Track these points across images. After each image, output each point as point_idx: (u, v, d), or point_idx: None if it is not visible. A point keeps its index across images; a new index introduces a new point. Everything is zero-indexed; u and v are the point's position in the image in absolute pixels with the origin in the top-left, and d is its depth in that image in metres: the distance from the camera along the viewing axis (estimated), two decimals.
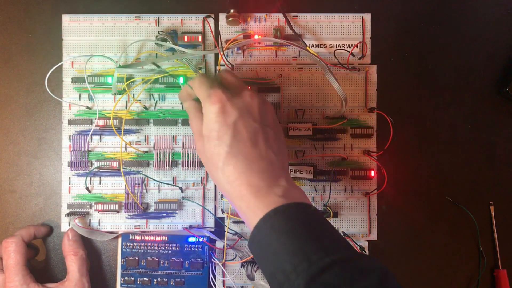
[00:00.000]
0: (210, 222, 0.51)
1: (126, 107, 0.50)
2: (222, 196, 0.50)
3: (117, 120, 0.50)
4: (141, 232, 0.50)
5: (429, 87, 0.52)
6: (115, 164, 0.50)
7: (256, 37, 0.50)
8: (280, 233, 0.35)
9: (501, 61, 0.52)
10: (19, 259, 0.46)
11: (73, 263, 0.48)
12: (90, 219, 0.50)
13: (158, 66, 0.48)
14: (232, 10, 0.49)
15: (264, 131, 0.40)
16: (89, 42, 0.51)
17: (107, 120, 0.50)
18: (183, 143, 0.50)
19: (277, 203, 0.36)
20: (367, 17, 0.51)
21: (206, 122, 0.39)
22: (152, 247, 0.50)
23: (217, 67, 0.50)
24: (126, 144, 0.50)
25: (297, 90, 0.51)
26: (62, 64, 0.50)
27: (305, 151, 0.51)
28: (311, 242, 0.34)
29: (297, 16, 0.51)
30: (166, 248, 0.50)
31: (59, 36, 0.51)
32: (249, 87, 0.42)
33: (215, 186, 0.50)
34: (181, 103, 0.50)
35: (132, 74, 0.50)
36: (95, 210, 0.50)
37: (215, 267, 0.50)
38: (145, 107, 0.50)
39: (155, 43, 0.50)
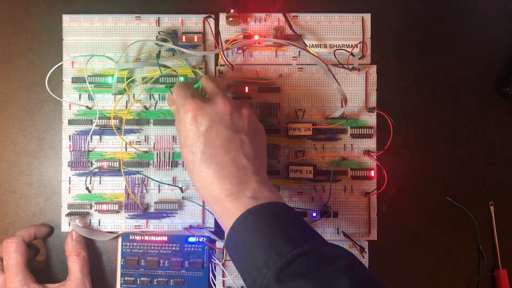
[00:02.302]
0: (210, 222, 0.51)
1: (126, 107, 0.50)
2: None
3: (117, 120, 0.50)
4: (141, 232, 0.50)
5: (429, 87, 0.52)
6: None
7: (256, 37, 0.50)
8: (253, 231, 0.36)
9: (501, 61, 0.52)
10: (20, 260, 0.46)
11: (75, 264, 0.48)
12: (90, 219, 0.50)
13: (166, 67, 0.48)
14: (232, 10, 0.49)
15: (236, 138, 0.41)
16: (89, 42, 0.51)
17: (107, 120, 0.50)
18: None
19: (249, 205, 0.38)
20: (367, 17, 0.51)
21: (182, 129, 0.41)
22: (152, 247, 0.50)
23: (217, 67, 0.50)
24: (126, 144, 0.50)
25: (297, 90, 0.51)
26: (62, 64, 0.50)
27: (305, 151, 0.51)
28: (281, 236, 0.36)
29: (297, 16, 0.51)
30: (166, 248, 0.50)
31: (59, 36, 0.51)
32: (226, 94, 0.43)
33: None
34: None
35: (133, 73, 0.50)
36: (95, 210, 0.50)
37: (215, 267, 0.50)
38: (145, 107, 0.50)
39: (155, 43, 0.50)
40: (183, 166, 0.50)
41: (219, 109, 0.41)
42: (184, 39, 0.50)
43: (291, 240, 0.35)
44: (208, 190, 0.39)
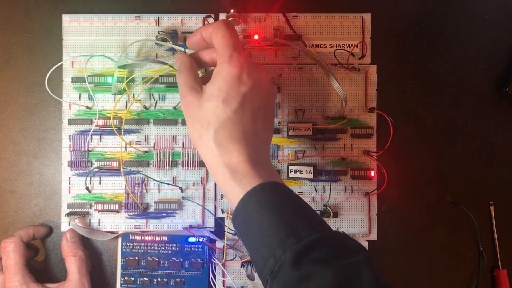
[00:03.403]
0: (210, 222, 0.51)
1: (126, 107, 0.50)
2: (222, 196, 0.50)
3: (117, 120, 0.50)
4: (141, 232, 0.50)
5: (429, 87, 0.52)
6: (115, 164, 0.50)
7: (256, 37, 0.50)
8: (267, 208, 0.35)
9: (501, 61, 0.52)
10: (18, 259, 0.46)
11: (73, 264, 0.47)
12: (90, 219, 0.50)
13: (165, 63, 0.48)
14: (232, 10, 0.49)
15: (265, 111, 0.40)
16: (89, 42, 0.51)
17: (107, 120, 0.50)
18: (183, 143, 0.50)
19: (264, 178, 0.36)
20: (367, 17, 0.51)
21: (217, 80, 0.39)
22: (152, 247, 0.50)
23: None
24: (126, 144, 0.50)
25: (297, 90, 0.51)
26: (62, 64, 0.50)
27: (305, 151, 0.51)
28: (298, 218, 0.35)
29: (297, 16, 0.51)
30: (166, 248, 0.50)
31: (59, 36, 0.51)
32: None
33: (215, 185, 0.50)
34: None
35: (132, 72, 0.50)
36: (95, 210, 0.50)
37: (215, 267, 0.50)
38: (145, 107, 0.50)
39: (155, 43, 0.50)
40: (183, 166, 0.50)
41: (262, 76, 0.40)
42: (184, 39, 0.50)
43: (309, 223, 0.34)
44: (224, 149, 0.37)
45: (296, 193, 0.50)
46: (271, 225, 0.34)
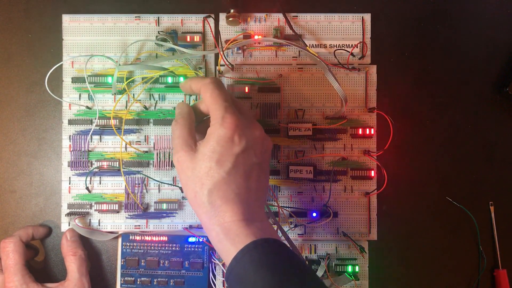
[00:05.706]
0: None
1: (126, 107, 0.50)
2: None
3: (117, 120, 0.50)
4: (141, 232, 0.50)
5: (429, 87, 0.52)
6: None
7: (256, 37, 0.50)
8: (260, 267, 0.35)
9: (501, 61, 0.52)
10: (18, 259, 0.46)
11: (72, 263, 0.48)
12: (90, 219, 0.50)
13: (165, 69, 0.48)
14: (232, 10, 0.49)
15: (259, 168, 0.40)
16: (89, 42, 0.51)
17: (107, 120, 0.50)
18: None
19: (257, 236, 0.37)
20: (367, 17, 0.51)
21: (211, 141, 0.39)
22: (152, 247, 0.50)
23: (217, 67, 0.50)
24: (126, 144, 0.50)
25: (297, 90, 0.51)
26: (62, 64, 0.50)
27: (305, 151, 0.51)
28: (291, 277, 0.35)
29: (297, 16, 0.51)
30: (166, 248, 0.50)
31: (59, 36, 0.51)
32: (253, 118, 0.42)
33: None
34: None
35: (133, 73, 0.50)
36: (95, 210, 0.50)
37: (215, 267, 0.50)
38: (145, 107, 0.50)
39: (155, 43, 0.50)
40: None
41: (255, 135, 0.40)
42: (184, 39, 0.50)
43: (301, 283, 0.35)
44: (218, 209, 0.38)
45: (296, 194, 0.51)
46: (264, 285, 0.34)
